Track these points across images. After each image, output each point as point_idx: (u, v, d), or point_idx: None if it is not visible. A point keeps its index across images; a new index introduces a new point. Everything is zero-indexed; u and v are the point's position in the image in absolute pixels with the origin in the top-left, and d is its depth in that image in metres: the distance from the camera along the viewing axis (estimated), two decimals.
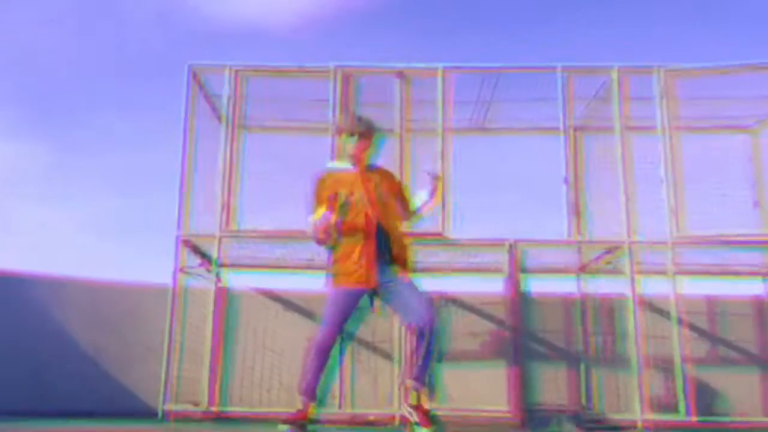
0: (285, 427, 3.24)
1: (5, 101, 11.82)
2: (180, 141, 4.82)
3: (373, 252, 3.35)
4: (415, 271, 3.54)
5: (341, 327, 3.33)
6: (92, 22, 12.16)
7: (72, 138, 12.37)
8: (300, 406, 3.36)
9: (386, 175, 3.63)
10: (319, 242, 3.44)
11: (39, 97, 12.17)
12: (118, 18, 12.25)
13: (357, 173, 3.49)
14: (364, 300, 3.41)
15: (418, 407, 3.25)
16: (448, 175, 4.72)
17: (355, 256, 3.36)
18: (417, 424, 3.21)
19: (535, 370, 5.16)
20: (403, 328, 4.49)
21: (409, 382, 3.28)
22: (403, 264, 3.42)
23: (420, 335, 3.23)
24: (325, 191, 3.39)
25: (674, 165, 4.71)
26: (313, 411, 3.37)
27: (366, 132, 3.57)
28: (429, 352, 3.25)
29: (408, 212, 3.68)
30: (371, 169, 3.59)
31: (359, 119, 3.61)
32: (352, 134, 3.52)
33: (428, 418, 3.19)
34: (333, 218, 3.26)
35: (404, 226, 3.69)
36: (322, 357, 3.30)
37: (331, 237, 3.33)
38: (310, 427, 3.36)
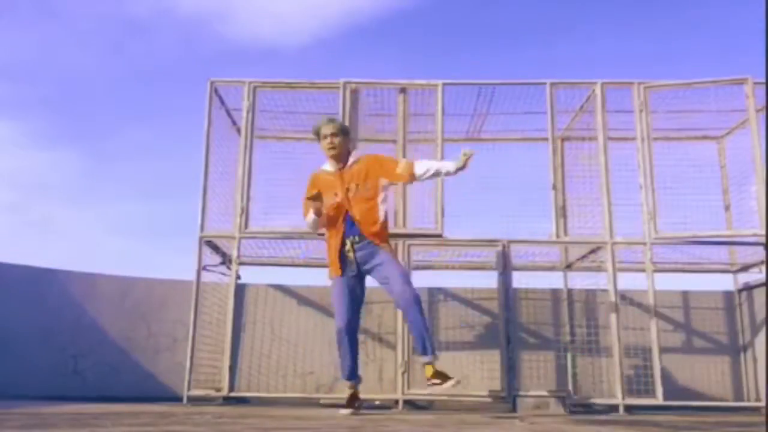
0: (346, 411, 3.56)
1: (41, 112, 12.28)
2: (200, 149, 4.94)
3: (338, 245, 3.64)
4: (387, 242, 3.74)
5: (347, 312, 3.59)
6: (122, 40, 12.65)
7: (102, 146, 12.85)
8: (349, 390, 3.71)
9: (363, 164, 3.77)
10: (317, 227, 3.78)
11: (71, 108, 12.65)
12: (145, 37, 12.70)
13: (337, 174, 3.75)
14: (356, 282, 3.69)
15: (435, 374, 3.50)
16: (444, 180, 4.81)
17: (331, 250, 3.71)
18: (433, 383, 3.47)
19: (525, 358, 5.35)
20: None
21: (422, 359, 3.54)
22: (379, 239, 3.66)
23: (405, 311, 3.52)
24: (315, 191, 3.68)
25: (651, 171, 4.85)
26: (358, 389, 3.69)
27: (334, 131, 3.75)
28: (420, 324, 3.47)
29: (402, 178, 3.80)
30: (352, 164, 3.79)
31: (324, 121, 3.80)
32: (323, 137, 3.77)
33: (444, 377, 3.48)
34: (316, 212, 3.65)
35: (383, 214, 3.78)
36: (346, 342, 3.59)
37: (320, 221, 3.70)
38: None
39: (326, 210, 3.72)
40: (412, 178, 3.79)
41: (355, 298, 3.71)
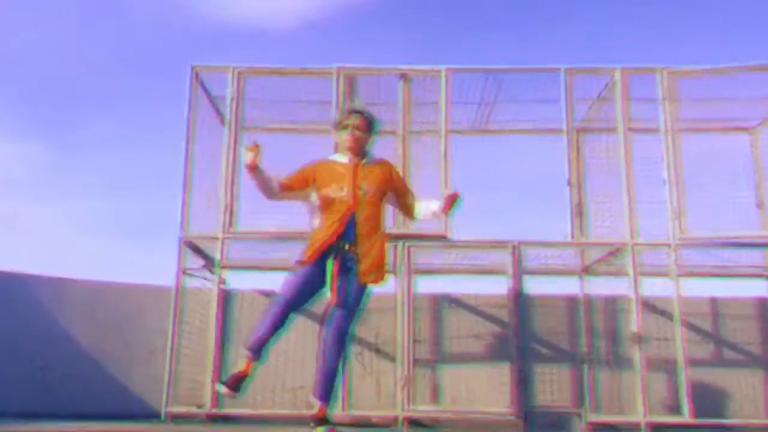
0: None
1: (3, 102, 11.85)
2: (180, 141, 4.81)
3: (331, 241, 3.36)
4: (380, 280, 3.51)
5: (298, 296, 3.35)
6: (92, 20, 12.20)
7: (70, 138, 12.43)
8: (243, 363, 3.37)
9: (384, 170, 3.59)
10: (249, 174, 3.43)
11: (37, 96, 12.21)
12: (117, 16, 12.27)
13: (350, 167, 3.49)
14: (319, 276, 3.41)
15: (319, 419, 3.30)
16: (450, 176, 4.76)
17: (317, 240, 3.39)
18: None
19: (539, 371, 5.19)
20: (406, 333, 4.57)
21: (314, 401, 3.33)
22: (368, 268, 3.40)
23: (328, 343, 3.30)
24: (308, 173, 3.46)
25: (676, 166, 4.74)
26: (253, 368, 3.35)
27: (359, 124, 3.54)
28: (332, 367, 3.32)
29: (407, 209, 3.68)
30: (369, 163, 3.58)
31: (352, 111, 3.62)
32: (344, 126, 3.53)
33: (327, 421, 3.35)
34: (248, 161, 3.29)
35: (385, 227, 3.65)
36: (275, 317, 3.30)
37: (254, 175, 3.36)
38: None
39: (326, 202, 3.46)
40: (413, 215, 3.71)
41: (312, 292, 3.45)
